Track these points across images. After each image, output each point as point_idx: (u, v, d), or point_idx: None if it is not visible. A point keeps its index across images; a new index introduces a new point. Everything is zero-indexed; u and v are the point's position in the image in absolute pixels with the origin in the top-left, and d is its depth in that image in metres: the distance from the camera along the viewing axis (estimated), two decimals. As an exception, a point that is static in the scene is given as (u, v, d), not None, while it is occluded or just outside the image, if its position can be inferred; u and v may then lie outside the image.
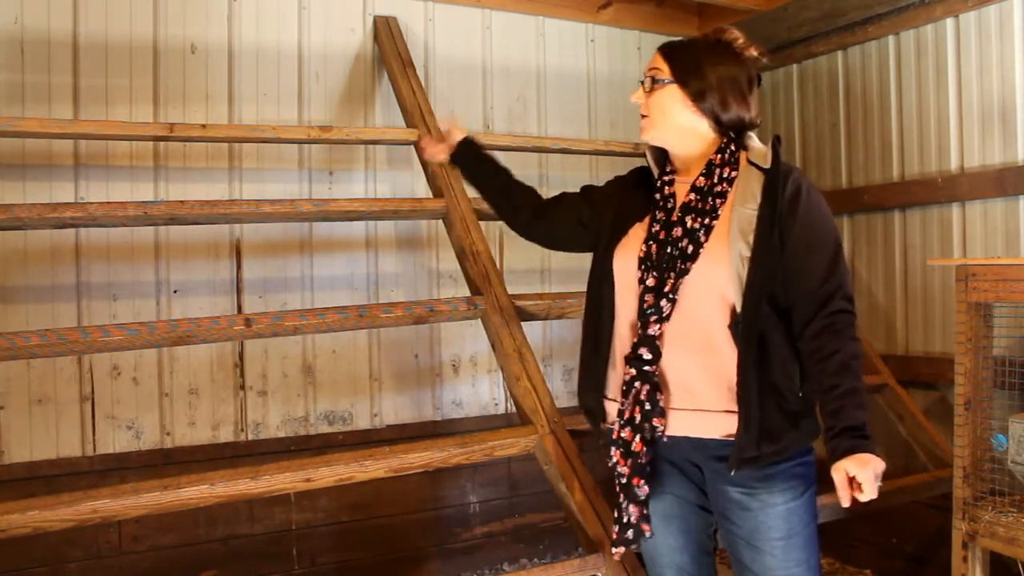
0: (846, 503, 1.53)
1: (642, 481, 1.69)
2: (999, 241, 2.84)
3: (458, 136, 2.17)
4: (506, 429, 2.37)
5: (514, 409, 2.42)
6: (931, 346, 3.08)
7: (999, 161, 2.85)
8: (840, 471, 1.53)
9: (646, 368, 1.67)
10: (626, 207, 1.84)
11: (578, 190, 2.02)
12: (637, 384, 1.67)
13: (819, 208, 1.69)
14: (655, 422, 1.66)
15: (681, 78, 1.72)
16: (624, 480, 1.71)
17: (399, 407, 3.34)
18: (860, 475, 1.50)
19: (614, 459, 1.71)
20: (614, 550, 1.74)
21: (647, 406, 1.66)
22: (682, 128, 1.74)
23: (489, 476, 3.45)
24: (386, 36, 3.28)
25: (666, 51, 1.76)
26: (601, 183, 2.01)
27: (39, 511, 1.77)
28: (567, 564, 2.01)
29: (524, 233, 2.08)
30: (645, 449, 1.68)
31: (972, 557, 2.13)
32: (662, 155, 1.84)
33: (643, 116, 1.77)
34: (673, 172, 1.81)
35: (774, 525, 1.66)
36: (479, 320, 2.55)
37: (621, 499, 1.72)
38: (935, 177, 3.03)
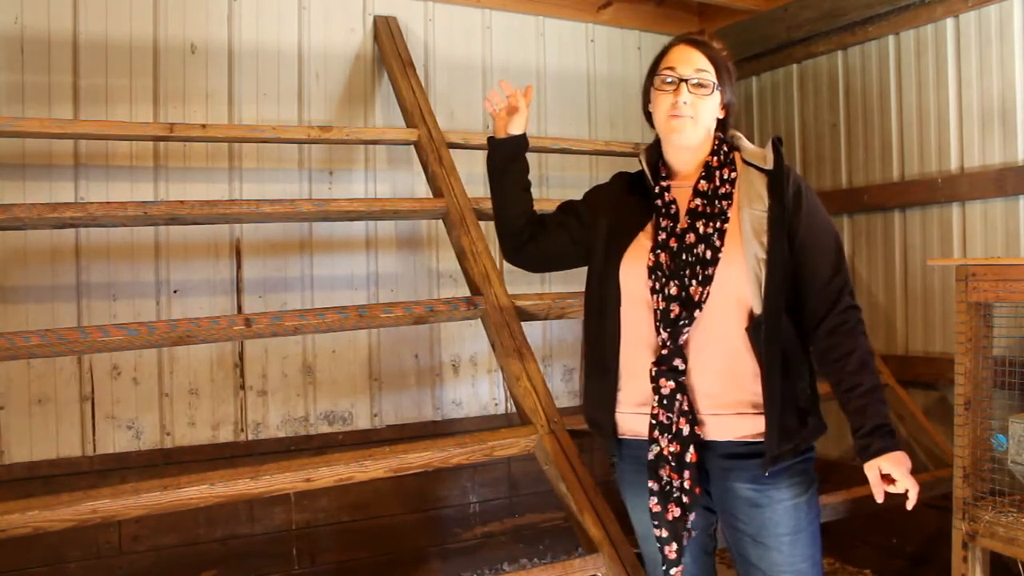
0: (880, 499, 1.61)
1: (701, 490, 1.69)
2: (999, 241, 2.84)
3: (520, 127, 1.92)
4: (506, 429, 2.37)
5: (514, 409, 2.42)
6: (931, 346, 3.08)
7: (999, 161, 2.84)
8: (874, 469, 1.60)
9: (681, 379, 1.66)
10: (623, 216, 1.80)
11: (556, 208, 1.96)
12: (679, 396, 1.66)
13: (819, 207, 1.73)
14: (696, 430, 1.67)
15: (722, 86, 1.74)
16: (678, 494, 1.66)
17: (399, 407, 3.34)
18: (896, 473, 1.58)
19: (665, 476, 1.67)
20: (673, 571, 1.69)
21: (690, 416, 1.66)
22: (709, 132, 1.76)
23: (489, 476, 3.44)
24: (386, 36, 3.28)
25: (709, 53, 1.73)
26: (600, 183, 1.99)
27: (39, 511, 1.77)
28: (567, 564, 2.01)
29: (514, 252, 1.96)
30: (699, 457, 1.67)
31: (972, 557, 2.13)
32: (655, 160, 1.82)
33: (687, 117, 1.70)
34: (667, 177, 1.79)
35: (781, 521, 1.67)
36: (479, 320, 2.55)
37: (676, 513, 1.67)
38: (935, 177, 3.03)
